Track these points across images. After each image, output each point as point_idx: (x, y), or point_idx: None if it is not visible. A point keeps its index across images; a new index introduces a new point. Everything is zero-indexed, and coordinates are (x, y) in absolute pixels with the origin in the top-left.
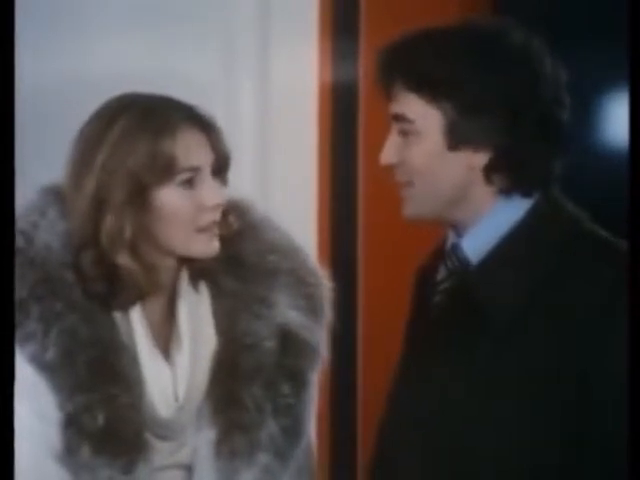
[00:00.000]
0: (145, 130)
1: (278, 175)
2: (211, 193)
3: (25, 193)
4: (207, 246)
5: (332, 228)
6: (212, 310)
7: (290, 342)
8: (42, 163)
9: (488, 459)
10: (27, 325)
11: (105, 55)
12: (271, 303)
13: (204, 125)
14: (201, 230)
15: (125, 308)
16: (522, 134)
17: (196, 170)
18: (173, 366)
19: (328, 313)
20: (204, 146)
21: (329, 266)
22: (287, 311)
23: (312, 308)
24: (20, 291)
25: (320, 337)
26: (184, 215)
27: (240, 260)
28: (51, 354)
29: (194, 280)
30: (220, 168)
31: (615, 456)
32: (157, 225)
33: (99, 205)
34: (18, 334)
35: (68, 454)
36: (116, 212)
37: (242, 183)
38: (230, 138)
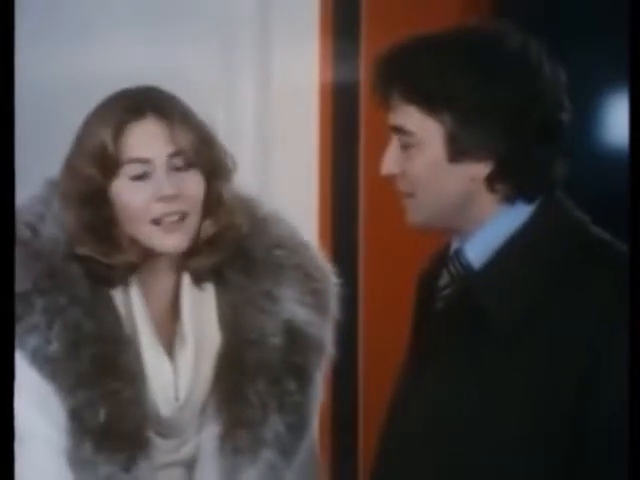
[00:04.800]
0: (92, 125)
1: (278, 175)
2: (163, 184)
3: (25, 192)
4: (167, 239)
5: (333, 228)
6: (217, 305)
7: (296, 338)
8: (42, 164)
9: (489, 461)
10: (30, 317)
11: (105, 55)
12: (277, 298)
13: (162, 115)
14: (156, 222)
15: (123, 282)
16: (523, 140)
17: (147, 162)
18: (176, 364)
19: (334, 309)
20: (158, 137)
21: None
22: (293, 307)
23: (318, 304)
24: (24, 283)
25: (326, 333)
26: (137, 207)
27: (247, 255)
28: (54, 347)
29: (198, 277)
30: (183, 158)
31: (615, 459)
32: (119, 216)
33: (60, 199)
34: (21, 326)
35: (70, 449)
36: (71, 206)
37: (242, 183)
38: (230, 138)
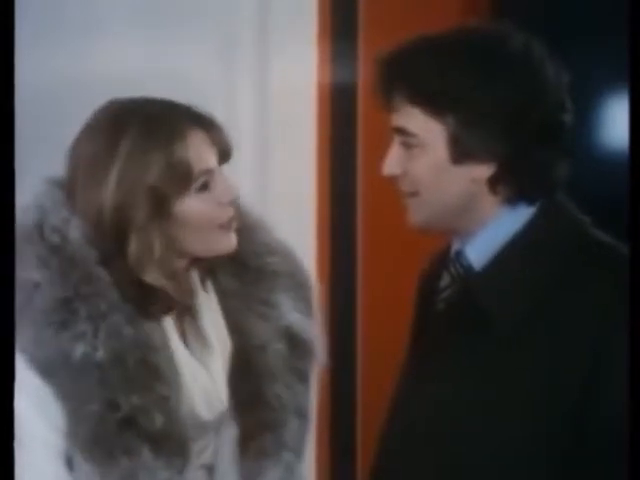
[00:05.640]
0: (155, 142)
1: (277, 176)
2: (225, 190)
3: (25, 191)
4: (228, 242)
5: (331, 229)
6: (222, 311)
7: (296, 344)
8: (42, 164)
9: (490, 461)
10: (77, 325)
11: (105, 55)
12: (274, 305)
13: (206, 124)
14: (221, 227)
15: (158, 318)
16: (526, 142)
17: (210, 172)
18: (209, 369)
19: (320, 313)
20: (210, 145)
21: (328, 269)
22: (290, 314)
23: (310, 311)
24: (65, 291)
25: (318, 339)
26: (206, 218)
27: (240, 261)
28: (101, 354)
29: (202, 280)
30: (223, 160)
31: (615, 459)
32: (181, 233)
33: (119, 225)
34: (67, 334)
35: (126, 455)
36: (141, 232)
37: (241, 185)
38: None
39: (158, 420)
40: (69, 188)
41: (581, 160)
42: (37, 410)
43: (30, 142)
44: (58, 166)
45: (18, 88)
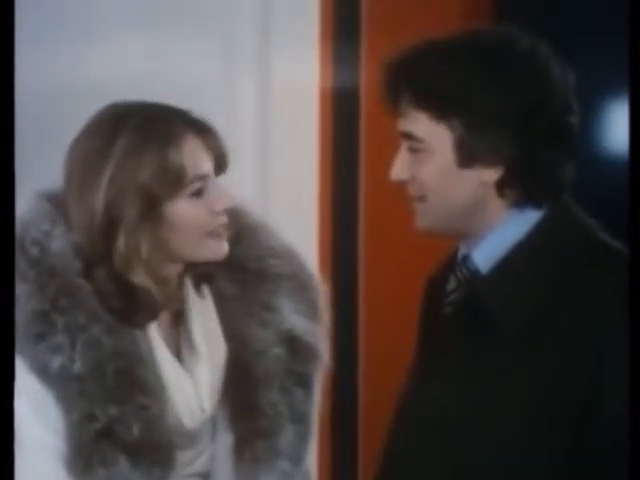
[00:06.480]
0: (150, 143)
1: (278, 178)
2: (220, 198)
3: (24, 197)
4: (219, 249)
5: (333, 232)
6: (218, 316)
7: (296, 347)
8: (42, 166)
9: (494, 461)
10: (54, 337)
11: (105, 56)
12: (275, 308)
13: (202, 129)
14: (212, 234)
15: (143, 326)
16: (533, 144)
17: (204, 178)
18: (194, 377)
19: (327, 317)
20: (206, 151)
21: (330, 271)
22: (291, 316)
23: (314, 313)
24: (42, 303)
25: (321, 342)
26: (197, 223)
27: (240, 264)
28: (79, 366)
29: (197, 285)
30: (220, 169)
31: (617, 459)
32: (170, 236)
33: (110, 223)
34: (44, 346)
35: (103, 466)
36: (130, 231)
37: (242, 187)
38: (230, 141)
39: (136, 430)
40: (65, 187)
41: (581, 161)
42: (36, 412)
43: (30, 143)
44: (58, 168)
45: (18, 89)
